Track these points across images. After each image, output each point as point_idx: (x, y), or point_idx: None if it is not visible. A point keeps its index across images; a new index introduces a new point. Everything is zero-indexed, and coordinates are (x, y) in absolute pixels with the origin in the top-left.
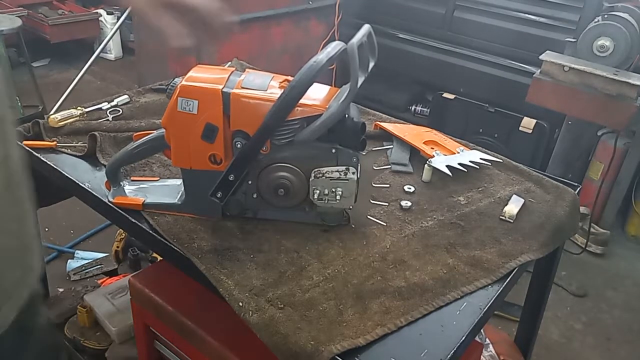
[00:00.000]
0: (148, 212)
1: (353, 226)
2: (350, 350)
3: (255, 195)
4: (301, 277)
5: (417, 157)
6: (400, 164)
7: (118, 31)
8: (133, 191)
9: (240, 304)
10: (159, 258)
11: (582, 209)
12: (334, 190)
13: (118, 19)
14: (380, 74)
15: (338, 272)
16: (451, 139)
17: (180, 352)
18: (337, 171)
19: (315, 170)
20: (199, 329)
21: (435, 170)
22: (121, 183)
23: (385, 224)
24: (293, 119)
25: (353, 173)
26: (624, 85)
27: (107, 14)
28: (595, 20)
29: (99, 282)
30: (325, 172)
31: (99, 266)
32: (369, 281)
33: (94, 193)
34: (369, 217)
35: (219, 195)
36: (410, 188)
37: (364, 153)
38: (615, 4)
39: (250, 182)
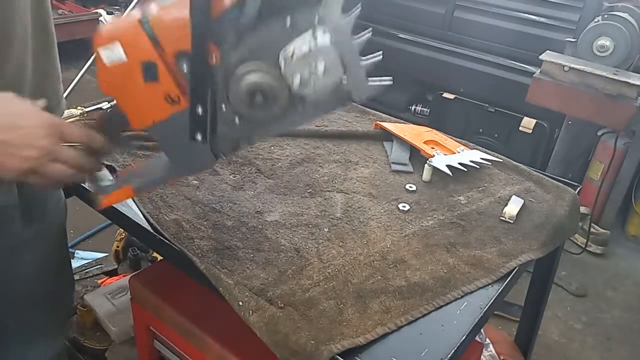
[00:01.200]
0: (148, 210)
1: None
2: (351, 349)
3: (237, 120)
4: (301, 276)
5: (418, 157)
6: (401, 164)
7: None
8: (117, 181)
9: (240, 303)
10: (159, 258)
11: (582, 209)
12: (314, 66)
13: None
14: (380, 74)
15: (338, 272)
16: (451, 138)
17: (180, 352)
18: (305, 42)
19: (282, 53)
20: (199, 329)
21: (435, 169)
22: (99, 177)
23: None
24: (225, 10)
25: (324, 33)
26: (624, 85)
27: (107, 14)
28: (595, 20)
29: (99, 282)
30: (293, 50)
31: (99, 266)
32: (369, 280)
33: None
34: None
35: (198, 137)
36: (410, 187)
37: (321, 6)
38: (615, 4)
39: (223, 107)
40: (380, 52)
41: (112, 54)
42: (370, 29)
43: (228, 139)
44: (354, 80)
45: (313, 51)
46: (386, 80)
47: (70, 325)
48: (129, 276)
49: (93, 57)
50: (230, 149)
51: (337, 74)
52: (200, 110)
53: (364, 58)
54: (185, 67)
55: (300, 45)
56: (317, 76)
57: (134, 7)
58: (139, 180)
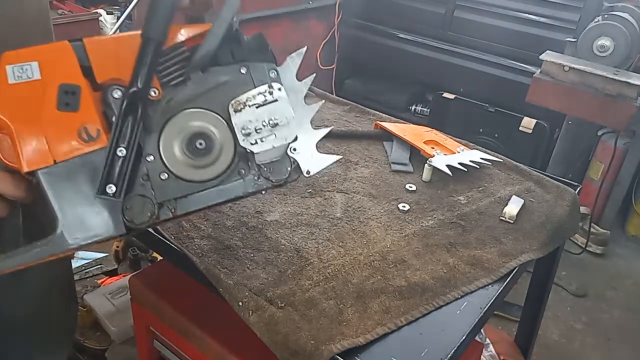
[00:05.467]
0: None
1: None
2: (350, 349)
3: (164, 176)
4: (301, 276)
5: (418, 157)
6: (401, 164)
7: (118, 31)
8: None
9: (240, 303)
10: (159, 258)
11: (582, 209)
12: (265, 121)
13: (118, 19)
14: (380, 74)
15: (338, 272)
16: (451, 138)
17: (180, 352)
18: (260, 93)
19: (233, 102)
20: (199, 329)
21: (435, 169)
22: None
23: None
24: (177, 44)
25: (279, 89)
26: (624, 85)
27: (107, 13)
28: (595, 20)
29: (99, 282)
30: (246, 100)
31: (99, 266)
32: (369, 280)
33: None
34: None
35: (110, 190)
36: (410, 187)
37: (278, 67)
38: (615, 3)
39: (150, 157)
40: (331, 127)
41: (21, 72)
42: (323, 100)
43: (147, 203)
44: (305, 149)
45: (268, 104)
46: (336, 157)
47: (72, 343)
48: (129, 276)
49: None
50: (145, 217)
51: (289, 134)
52: (122, 151)
53: (316, 129)
54: (117, 93)
55: (254, 94)
56: (269, 133)
57: (133, 6)
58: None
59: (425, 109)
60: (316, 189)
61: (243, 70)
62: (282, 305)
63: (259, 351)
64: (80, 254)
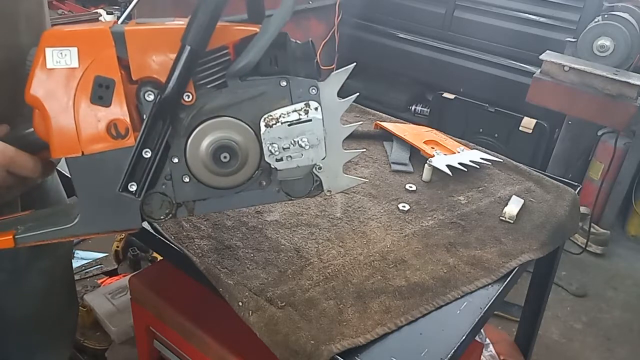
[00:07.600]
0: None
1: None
2: (351, 349)
3: (187, 179)
4: (301, 276)
5: (418, 157)
6: (401, 164)
7: None
8: None
9: (240, 303)
10: (159, 258)
11: (582, 209)
12: (295, 140)
13: (118, 18)
14: (380, 74)
15: (338, 272)
16: (451, 138)
17: (180, 352)
18: (295, 111)
19: (266, 116)
20: (199, 329)
21: (435, 169)
22: None
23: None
24: (219, 47)
25: (316, 109)
26: (624, 85)
27: (107, 14)
28: (596, 20)
29: (99, 282)
30: (279, 116)
31: (98, 266)
32: (369, 280)
33: None
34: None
35: (132, 187)
36: (410, 187)
37: (321, 81)
38: (615, 3)
39: (176, 159)
40: (363, 150)
41: (60, 57)
42: (361, 122)
43: (166, 202)
44: (330, 169)
45: (301, 123)
46: (362, 180)
47: (73, 343)
48: (129, 276)
49: None
50: (162, 214)
51: (317, 156)
52: (147, 153)
53: (346, 150)
54: (150, 95)
55: (289, 111)
56: (297, 152)
57: (133, 6)
58: (27, 227)
59: (425, 109)
60: None
61: (283, 83)
62: (282, 305)
63: (259, 351)
64: (80, 254)
